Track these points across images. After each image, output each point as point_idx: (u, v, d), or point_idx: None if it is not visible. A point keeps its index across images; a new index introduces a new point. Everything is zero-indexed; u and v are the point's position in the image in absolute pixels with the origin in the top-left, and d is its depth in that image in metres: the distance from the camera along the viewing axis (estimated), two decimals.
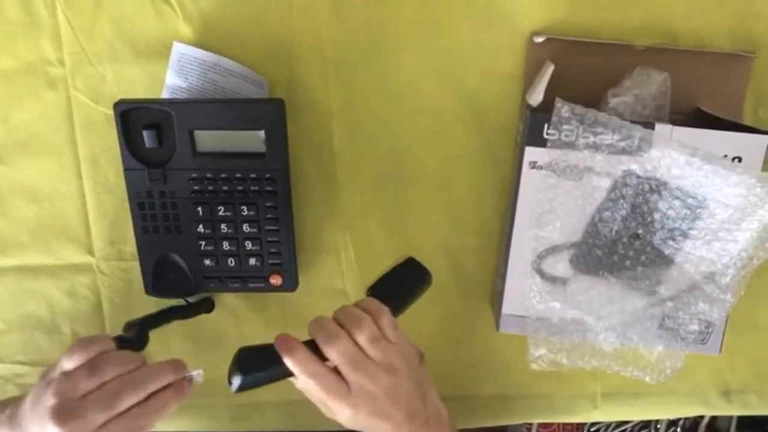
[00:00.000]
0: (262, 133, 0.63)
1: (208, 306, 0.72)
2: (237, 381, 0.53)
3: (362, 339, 0.55)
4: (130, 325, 0.64)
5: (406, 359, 0.57)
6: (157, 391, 0.55)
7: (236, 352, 0.55)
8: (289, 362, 0.53)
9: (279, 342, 0.54)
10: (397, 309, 0.59)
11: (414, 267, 0.61)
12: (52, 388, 0.54)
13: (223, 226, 0.66)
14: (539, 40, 0.64)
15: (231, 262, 0.68)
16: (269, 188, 0.65)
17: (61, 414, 0.52)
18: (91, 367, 0.55)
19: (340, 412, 0.55)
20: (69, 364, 0.55)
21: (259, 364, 0.54)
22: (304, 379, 0.54)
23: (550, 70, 0.62)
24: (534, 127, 0.61)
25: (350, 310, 0.57)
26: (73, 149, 0.68)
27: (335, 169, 0.69)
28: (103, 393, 0.54)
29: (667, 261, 0.62)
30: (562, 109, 0.59)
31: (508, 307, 0.67)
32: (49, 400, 0.53)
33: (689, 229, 0.60)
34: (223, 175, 0.65)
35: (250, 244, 0.67)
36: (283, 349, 0.53)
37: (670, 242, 0.61)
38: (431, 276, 0.61)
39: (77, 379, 0.54)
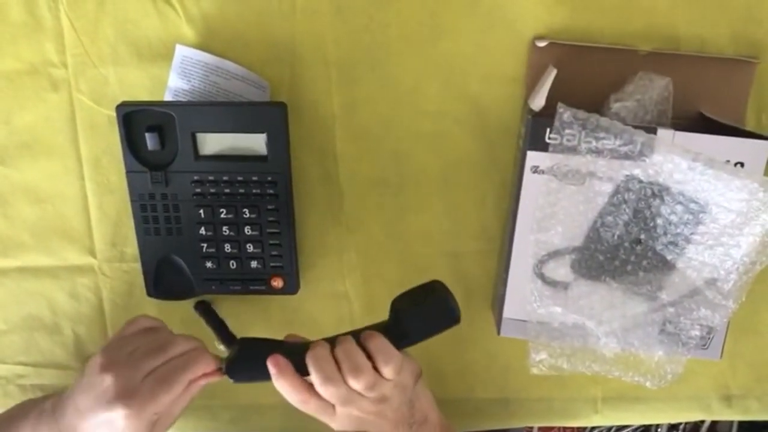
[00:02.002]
0: (264, 135, 0.63)
1: None
2: (230, 374, 0.59)
3: (357, 387, 0.55)
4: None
5: (400, 389, 0.58)
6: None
7: (236, 344, 0.60)
8: (276, 385, 0.56)
9: (271, 363, 0.56)
10: (410, 345, 0.59)
11: (447, 306, 0.59)
12: (100, 354, 0.58)
13: (224, 228, 0.67)
14: (541, 44, 0.64)
15: (232, 264, 0.68)
16: (271, 191, 0.65)
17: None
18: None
19: (326, 423, 0.58)
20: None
21: (252, 370, 0.58)
22: (287, 399, 0.56)
23: (552, 74, 0.62)
24: (536, 131, 0.61)
25: (351, 353, 0.56)
26: (75, 151, 0.68)
27: (337, 172, 0.69)
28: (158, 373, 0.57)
29: (668, 266, 0.61)
30: (564, 113, 0.59)
31: (509, 311, 0.67)
32: (98, 360, 0.58)
33: (692, 234, 0.60)
34: (224, 178, 0.65)
35: (251, 247, 0.67)
36: (273, 371, 0.56)
37: (672, 247, 0.61)
38: (460, 319, 0.59)
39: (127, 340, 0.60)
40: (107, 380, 0.55)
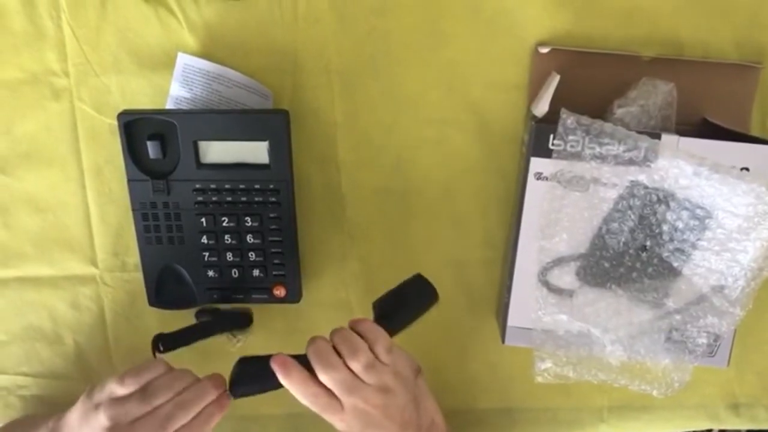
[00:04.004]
0: (266, 143, 0.63)
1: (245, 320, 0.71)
2: (234, 391, 0.58)
3: (357, 367, 0.56)
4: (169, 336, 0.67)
5: (401, 379, 0.59)
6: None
7: (236, 362, 0.59)
8: (284, 383, 0.56)
9: (276, 362, 0.56)
10: (398, 328, 0.60)
11: (421, 285, 0.62)
12: (103, 412, 0.55)
13: (226, 237, 0.66)
14: (544, 50, 0.64)
15: (234, 273, 0.68)
16: (273, 199, 0.65)
17: None
18: (143, 393, 0.57)
19: (334, 424, 0.58)
20: (121, 390, 0.57)
21: (255, 378, 0.58)
22: (298, 397, 0.56)
23: (555, 80, 0.62)
24: (539, 137, 0.60)
25: (347, 336, 0.58)
26: (77, 160, 0.68)
27: (339, 180, 0.69)
28: (154, 417, 0.56)
29: (674, 273, 0.61)
30: (568, 119, 0.59)
31: (513, 320, 0.67)
32: (103, 423, 0.55)
33: (698, 240, 0.59)
34: (227, 186, 0.64)
35: (253, 256, 0.67)
36: (279, 370, 0.56)
37: (679, 254, 0.60)
38: (437, 295, 0.62)
39: (130, 404, 0.56)
40: (100, 419, 0.55)
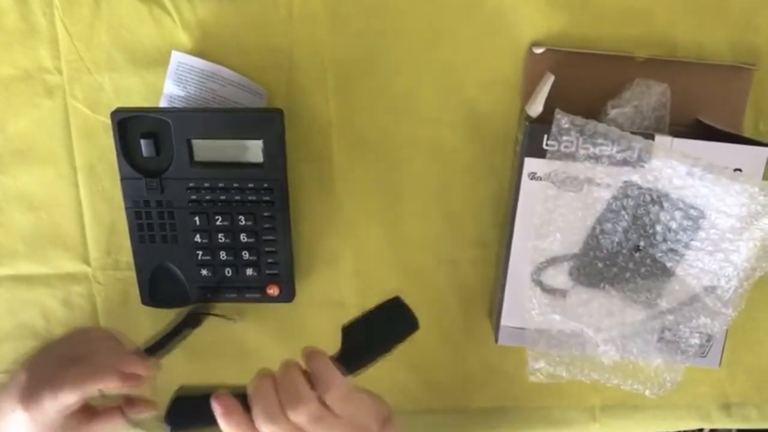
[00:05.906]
0: (260, 142, 0.63)
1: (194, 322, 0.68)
2: (169, 423, 0.51)
3: (300, 420, 0.49)
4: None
5: (357, 429, 0.51)
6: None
7: (175, 391, 0.53)
8: (223, 426, 0.50)
9: (216, 403, 0.50)
10: (364, 365, 0.53)
11: (398, 312, 0.54)
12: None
13: (220, 236, 0.66)
14: (539, 50, 0.64)
15: (228, 272, 0.67)
16: (267, 198, 0.65)
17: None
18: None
19: None
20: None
21: (192, 418, 0.52)
22: None
23: (550, 81, 0.62)
24: (533, 137, 0.60)
25: (292, 379, 0.50)
26: (69, 158, 0.68)
27: (333, 179, 0.69)
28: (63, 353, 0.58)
29: (667, 273, 0.61)
30: (562, 120, 0.59)
31: (507, 319, 0.67)
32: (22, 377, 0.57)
33: (691, 240, 0.60)
34: (220, 185, 0.64)
35: (247, 254, 0.67)
36: (219, 412, 0.49)
37: (672, 254, 0.60)
38: (417, 323, 0.54)
39: (55, 346, 0.60)
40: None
